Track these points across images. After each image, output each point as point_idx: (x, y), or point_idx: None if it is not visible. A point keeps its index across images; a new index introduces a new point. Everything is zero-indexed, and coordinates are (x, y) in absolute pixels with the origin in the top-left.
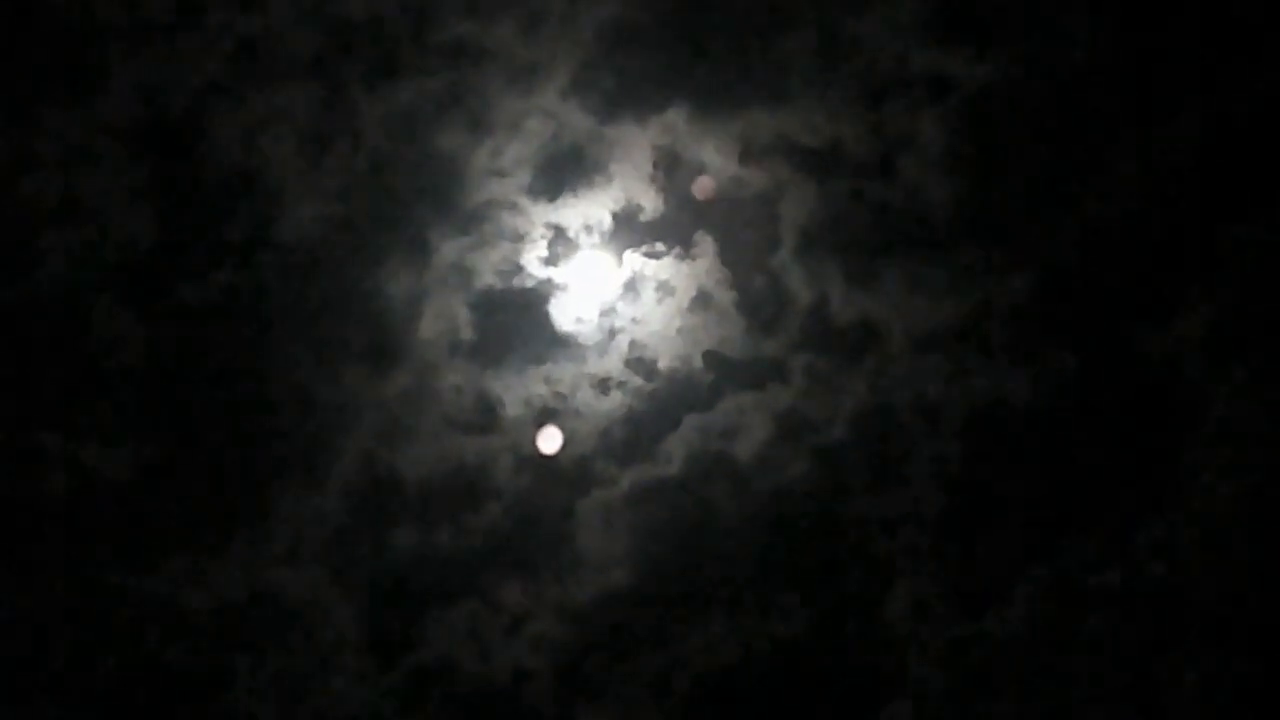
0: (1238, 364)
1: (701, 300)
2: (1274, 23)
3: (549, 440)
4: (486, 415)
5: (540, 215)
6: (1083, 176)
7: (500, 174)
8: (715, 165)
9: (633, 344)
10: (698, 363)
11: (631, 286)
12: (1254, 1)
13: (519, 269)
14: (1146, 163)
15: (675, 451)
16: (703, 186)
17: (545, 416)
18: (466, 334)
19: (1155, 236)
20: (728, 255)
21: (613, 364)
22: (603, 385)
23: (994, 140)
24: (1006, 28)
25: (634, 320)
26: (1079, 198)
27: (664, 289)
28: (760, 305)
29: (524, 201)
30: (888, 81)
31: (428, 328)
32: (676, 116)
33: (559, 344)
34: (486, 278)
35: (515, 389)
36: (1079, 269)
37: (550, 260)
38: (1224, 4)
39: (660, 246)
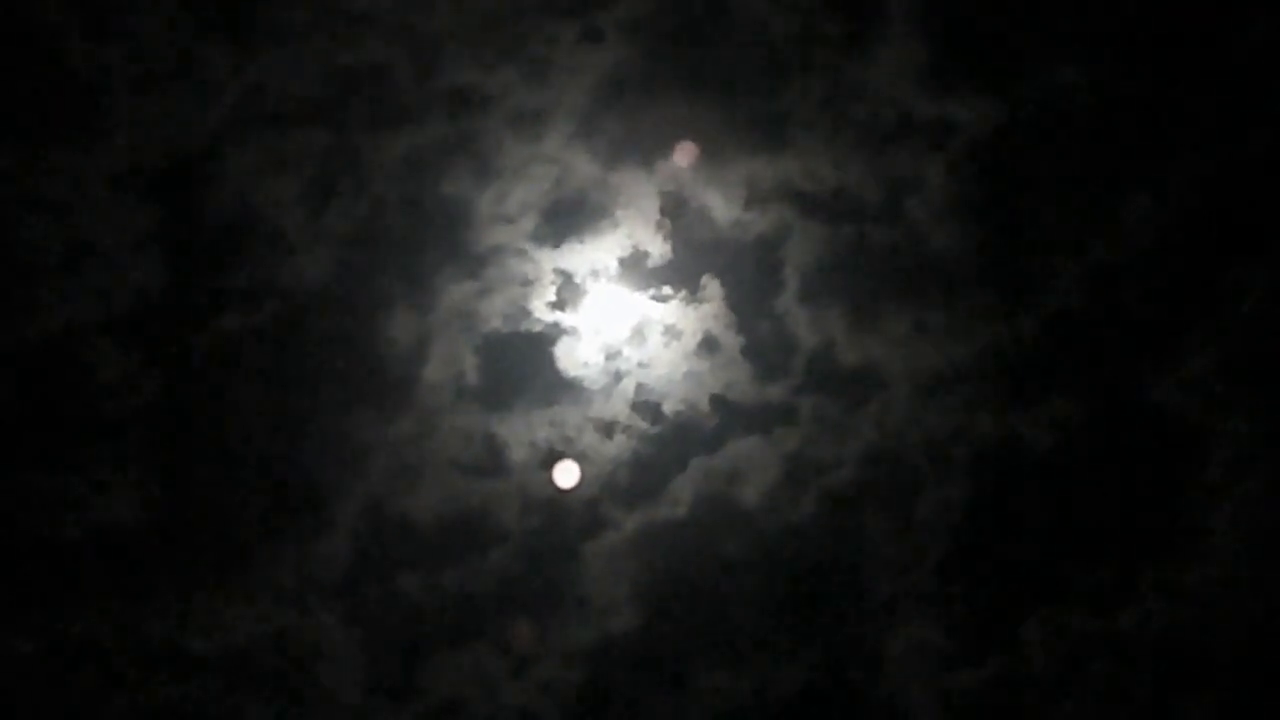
0: (1242, 407)
1: (708, 344)
2: (1277, 65)
3: (566, 474)
4: (493, 458)
5: (546, 260)
6: (1087, 220)
7: (506, 219)
8: (720, 210)
9: (639, 387)
10: (705, 406)
11: (638, 331)
12: (1257, 45)
13: (525, 313)
14: (1151, 207)
15: (683, 494)
16: (686, 151)
17: (552, 460)
18: (472, 378)
19: (1160, 280)
20: (734, 299)
21: (619, 408)
22: (609, 429)
23: (998, 185)
24: (1009, 73)
25: (640, 364)
26: (1083, 242)
27: (671, 333)
28: (766, 349)
29: (530, 246)
30: (892, 127)
31: (434, 372)
32: (681, 162)
33: (566, 387)
34: (493, 322)
35: (521, 432)
36: (1084, 312)
37: (556, 304)
38: (1227, 48)
39: (667, 290)
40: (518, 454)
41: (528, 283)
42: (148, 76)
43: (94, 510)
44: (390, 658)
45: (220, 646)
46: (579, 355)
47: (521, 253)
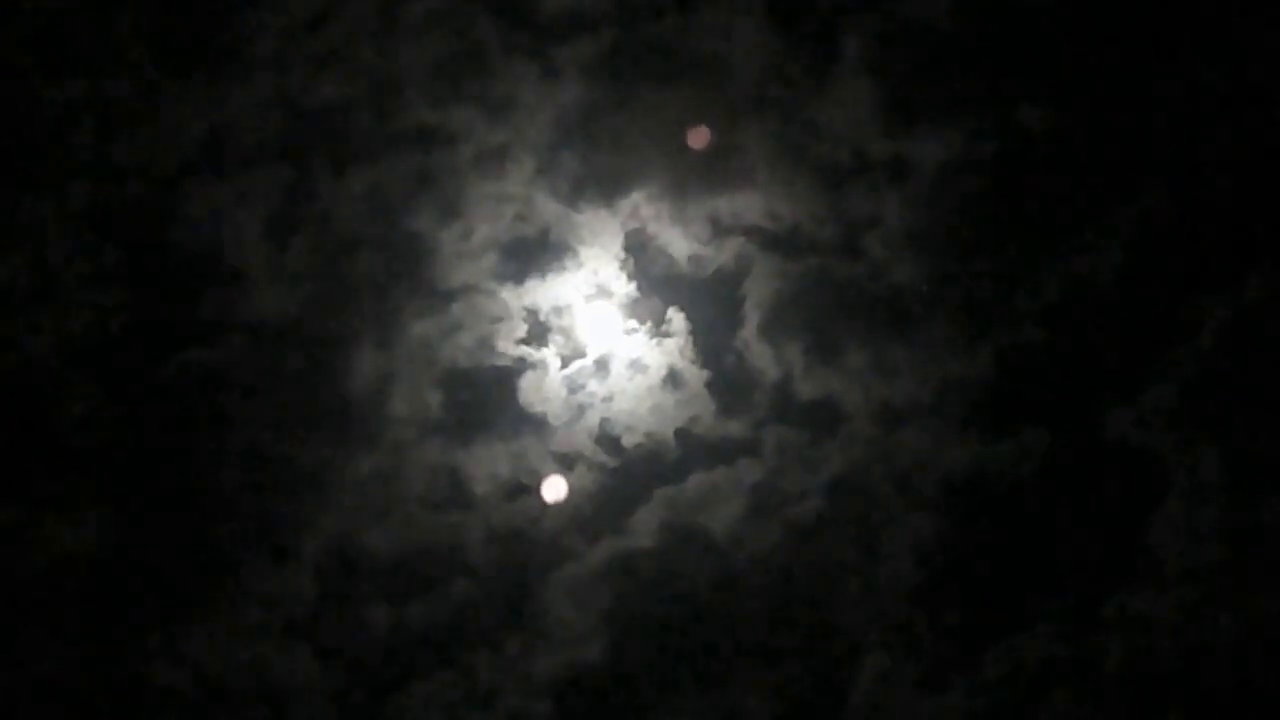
0: (1203, 437)
1: (673, 378)
2: (1233, 101)
3: (553, 489)
4: (457, 492)
5: (510, 295)
6: (1044, 255)
7: (470, 256)
8: (682, 247)
9: (604, 421)
10: (669, 439)
11: (603, 365)
12: (1212, 80)
13: (489, 348)
14: (1108, 240)
15: (647, 526)
16: (699, 135)
17: (516, 493)
18: (437, 413)
19: (1119, 312)
20: (698, 334)
21: (584, 441)
22: (574, 462)
23: (954, 220)
24: (965, 112)
25: (604, 399)
26: (1040, 276)
27: (636, 367)
28: (730, 383)
29: (493, 283)
30: (849, 165)
31: (398, 407)
32: (643, 200)
33: (529, 422)
34: (457, 357)
35: (485, 466)
36: (1042, 345)
37: (522, 340)
38: (1183, 82)
39: (633, 324)
40: (482, 488)
41: (493, 319)
42: (112, 114)
43: (59, 544)
44: (358, 690)
45: (187, 680)
46: (544, 390)
47: (485, 289)
